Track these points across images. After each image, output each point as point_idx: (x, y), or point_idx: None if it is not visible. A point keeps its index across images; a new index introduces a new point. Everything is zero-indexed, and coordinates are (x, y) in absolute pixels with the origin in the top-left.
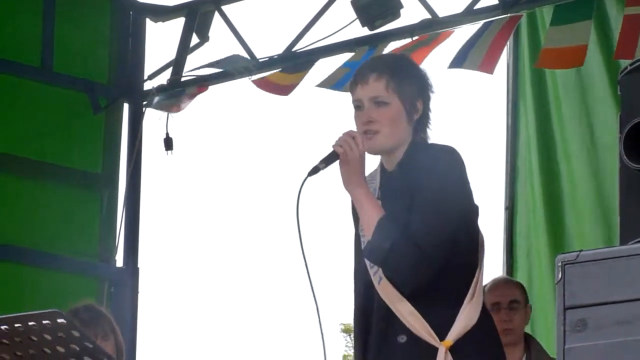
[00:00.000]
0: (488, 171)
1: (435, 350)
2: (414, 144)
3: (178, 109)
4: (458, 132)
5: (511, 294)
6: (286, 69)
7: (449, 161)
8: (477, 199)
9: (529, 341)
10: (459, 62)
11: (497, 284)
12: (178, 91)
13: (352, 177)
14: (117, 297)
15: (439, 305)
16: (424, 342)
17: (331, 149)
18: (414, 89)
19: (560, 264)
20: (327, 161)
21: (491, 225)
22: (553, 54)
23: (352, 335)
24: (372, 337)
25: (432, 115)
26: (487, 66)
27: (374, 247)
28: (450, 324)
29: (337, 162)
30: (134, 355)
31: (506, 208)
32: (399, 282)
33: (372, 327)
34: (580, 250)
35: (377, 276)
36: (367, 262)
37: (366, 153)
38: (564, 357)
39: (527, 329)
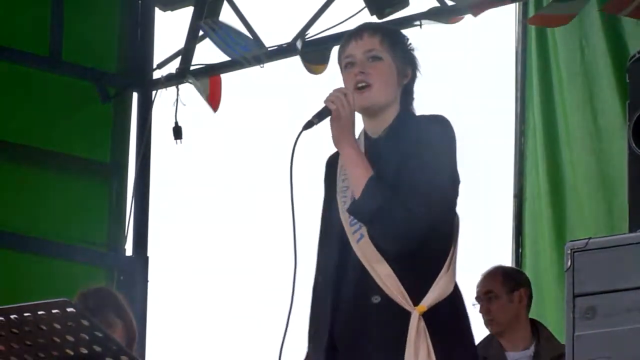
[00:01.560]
0: (498, 159)
1: (408, 314)
2: (403, 112)
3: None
4: (469, 120)
5: (486, 285)
6: (308, 59)
7: (443, 130)
8: (487, 188)
9: (538, 327)
10: None
11: (481, 276)
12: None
13: (343, 134)
14: (126, 286)
15: (416, 271)
16: (398, 305)
17: (323, 105)
18: (405, 55)
19: (569, 252)
20: (320, 116)
21: (501, 213)
22: (544, 16)
23: None
24: (343, 298)
25: (415, 96)
26: (476, 9)
27: (361, 204)
28: (425, 290)
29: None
30: (144, 344)
31: (515, 196)
32: (385, 241)
33: (342, 287)
34: (590, 238)
35: (357, 234)
36: (346, 221)
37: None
38: (573, 344)
39: (535, 316)
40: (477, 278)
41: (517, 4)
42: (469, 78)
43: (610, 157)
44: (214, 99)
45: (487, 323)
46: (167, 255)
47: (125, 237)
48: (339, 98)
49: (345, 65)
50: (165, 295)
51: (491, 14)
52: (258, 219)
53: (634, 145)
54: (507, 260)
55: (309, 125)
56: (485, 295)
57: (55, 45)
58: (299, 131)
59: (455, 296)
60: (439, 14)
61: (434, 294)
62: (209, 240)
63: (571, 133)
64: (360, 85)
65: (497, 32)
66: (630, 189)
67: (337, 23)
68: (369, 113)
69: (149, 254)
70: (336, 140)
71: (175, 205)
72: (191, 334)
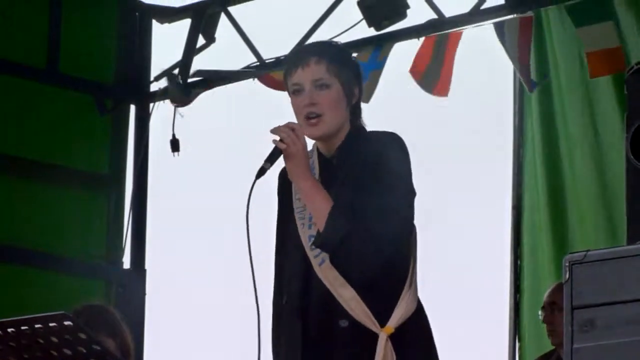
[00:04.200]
0: (496, 170)
1: (375, 336)
2: (354, 129)
3: (187, 103)
4: (466, 131)
5: (551, 296)
6: None
7: (399, 146)
8: (485, 200)
9: None
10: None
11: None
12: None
13: (297, 169)
14: (124, 298)
15: (380, 292)
16: (365, 327)
17: (273, 146)
18: (351, 74)
19: (567, 264)
20: (271, 159)
21: (499, 224)
22: (597, 57)
23: None
24: (311, 322)
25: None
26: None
27: (326, 237)
28: (390, 311)
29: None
30: (142, 357)
31: (513, 207)
32: (349, 270)
33: (309, 312)
34: (588, 250)
35: (318, 258)
36: (307, 244)
37: (307, 139)
38: (571, 357)
39: (534, 327)
40: (474, 290)
41: (515, 14)
42: (466, 88)
43: (610, 168)
44: None
45: (549, 333)
46: (165, 268)
47: (123, 250)
48: (288, 136)
49: (293, 92)
50: (162, 308)
51: (489, 27)
52: (257, 231)
53: (631, 157)
54: (505, 273)
55: (261, 172)
56: (549, 305)
57: (53, 58)
58: (253, 180)
59: (419, 311)
60: (437, 27)
61: (399, 313)
62: (207, 253)
63: (571, 144)
64: (311, 115)
65: (495, 44)
66: (628, 202)
67: (335, 35)
68: (322, 139)
69: (146, 267)
70: (291, 175)
71: (172, 218)
72: (189, 346)
